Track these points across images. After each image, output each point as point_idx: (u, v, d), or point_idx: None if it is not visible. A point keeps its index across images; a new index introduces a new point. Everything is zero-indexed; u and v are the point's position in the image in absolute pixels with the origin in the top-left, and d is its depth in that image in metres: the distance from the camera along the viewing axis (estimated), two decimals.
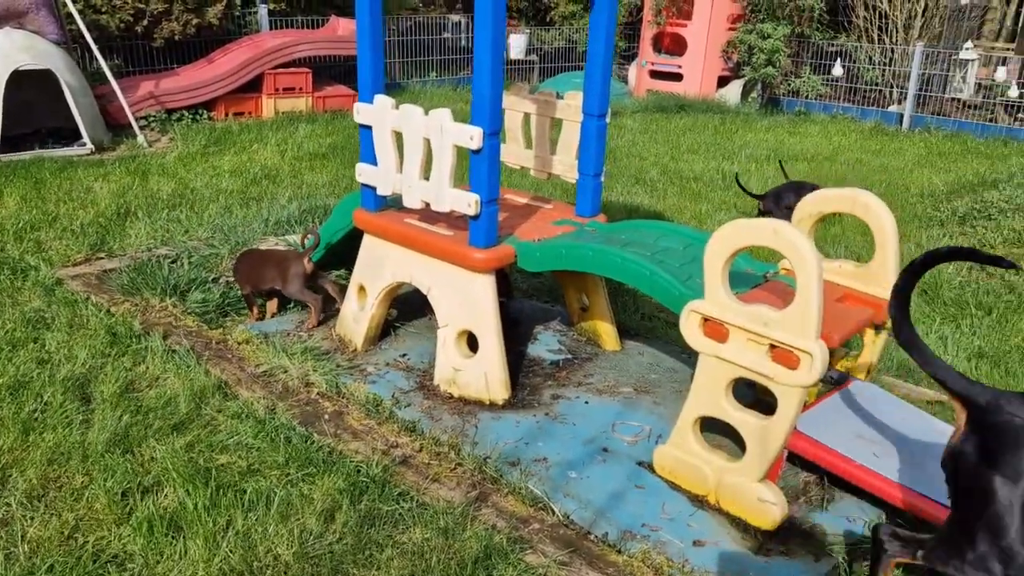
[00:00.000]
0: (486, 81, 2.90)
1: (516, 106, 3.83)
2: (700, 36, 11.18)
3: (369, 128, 3.31)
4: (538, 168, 3.84)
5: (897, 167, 8.04)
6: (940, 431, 2.73)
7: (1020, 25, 12.76)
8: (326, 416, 3.05)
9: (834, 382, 2.94)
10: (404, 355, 3.57)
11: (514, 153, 3.92)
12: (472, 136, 2.94)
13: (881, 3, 11.24)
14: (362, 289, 3.59)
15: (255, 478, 2.65)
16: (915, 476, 2.47)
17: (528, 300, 4.25)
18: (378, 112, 3.24)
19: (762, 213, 5.50)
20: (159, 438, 2.84)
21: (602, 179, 3.59)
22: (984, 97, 10.97)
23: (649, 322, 4.03)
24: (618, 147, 8.48)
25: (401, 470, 2.72)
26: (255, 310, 3.86)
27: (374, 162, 3.35)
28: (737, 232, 2.42)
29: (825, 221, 4.93)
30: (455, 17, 12.35)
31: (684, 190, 6.77)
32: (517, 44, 12.34)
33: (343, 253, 3.98)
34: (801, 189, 5.03)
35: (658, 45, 11.80)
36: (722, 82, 11.52)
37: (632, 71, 12.26)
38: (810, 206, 2.90)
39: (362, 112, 3.31)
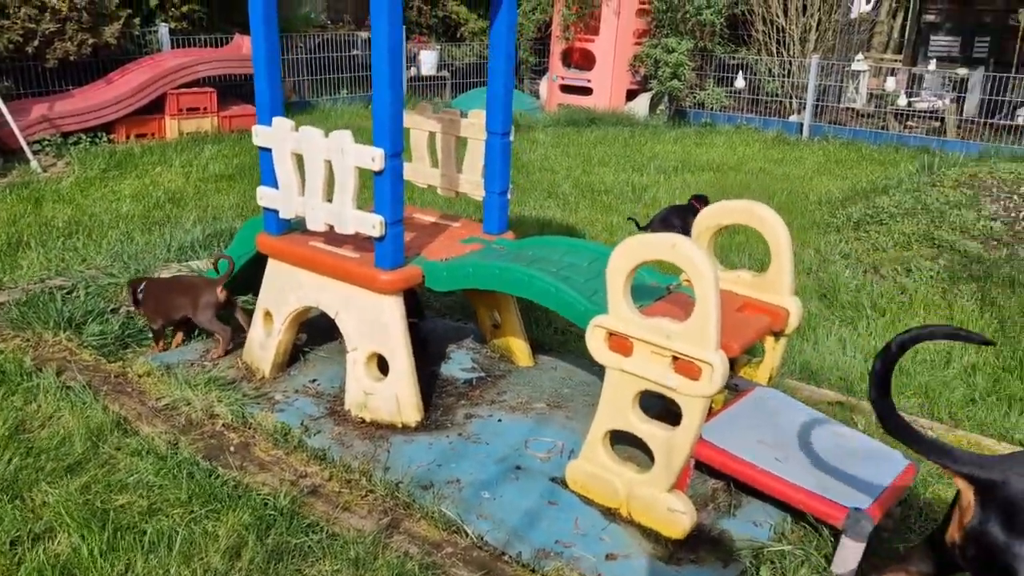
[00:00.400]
0: (386, 102, 2.88)
1: (421, 125, 3.82)
2: (607, 51, 11.41)
3: (269, 150, 3.25)
4: (445, 186, 3.83)
5: (798, 175, 8.35)
6: (838, 432, 2.84)
7: (906, 37, 13.47)
8: (232, 448, 2.96)
9: (738, 389, 3.02)
10: (314, 381, 3.50)
11: (420, 172, 3.91)
12: (374, 157, 2.92)
13: (778, 18, 11.70)
14: (268, 315, 3.50)
15: (156, 518, 2.55)
16: (815, 478, 2.55)
17: (440, 319, 4.23)
18: (277, 134, 3.18)
19: None
20: (52, 481, 2.70)
21: (508, 196, 3.61)
22: (876, 106, 11.53)
23: (562, 336, 4.06)
24: (531, 161, 8.56)
25: (310, 501, 2.66)
26: (160, 342, 3.72)
27: (275, 185, 3.29)
28: (637, 247, 2.46)
29: (729, 230, 5.08)
30: (364, 34, 12.26)
31: (595, 203, 6.87)
32: (428, 60, 12.35)
33: (248, 278, 3.88)
34: (684, 211, 5.36)
35: (568, 60, 11.98)
36: (631, 95, 11.77)
37: (543, 86, 12.41)
38: (709, 219, 2.98)
39: (260, 135, 3.25)
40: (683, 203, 5.87)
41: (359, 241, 3.27)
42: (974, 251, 4.64)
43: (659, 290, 2.98)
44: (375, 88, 2.91)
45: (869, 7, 11.73)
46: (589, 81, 11.67)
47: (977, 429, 3.38)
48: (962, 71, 11.40)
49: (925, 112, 11.20)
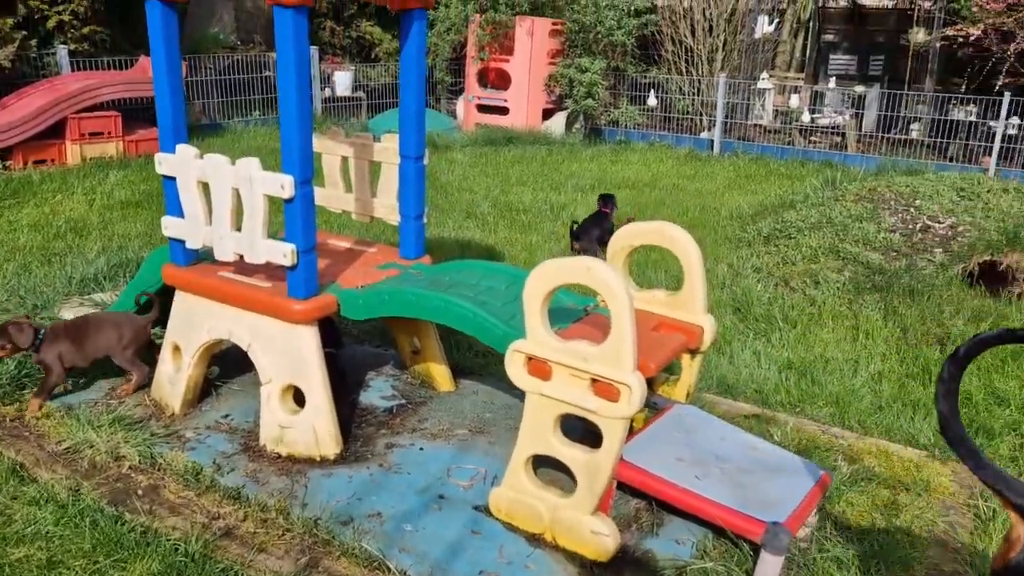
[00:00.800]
0: (293, 128, 2.82)
1: (333, 150, 3.76)
2: (522, 71, 11.52)
3: (173, 179, 3.13)
4: (360, 212, 3.78)
5: (710, 190, 8.58)
6: (755, 447, 2.89)
7: (806, 56, 14.05)
8: (139, 492, 2.82)
9: (657, 407, 3.05)
10: (227, 416, 3.38)
11: (334, 197, 3.84)
12: (283, 185, 2.85)
13: (686, 38, 12.05)
14: (177, 349, 3.37)
15: (57, 571, 2.41)
16: (734, 494, 2.59)
17: (359, 345, 4.15)
18: (181, 163, 3.07)
19: (576, 252, 5.78)
20: None
21: (424, 220, 3.57)
22: (781, 122, 11.97)
23: (483, 359, 4.04)
24: (449, 182, 8.54)
25: (224, 543, 2.55)
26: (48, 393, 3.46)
27: (181, 214, 3.17)
28: (553, 271, 2.46)
29: (646, 248, 5.17)
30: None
31: (514, 222, 6.89)
32: (343, 81, 12.23)
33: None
34: (597, 217, 5.95)
35: (484, 80, 12.05)
36: (547, 114, 11.91)
37: (460, 106, 12.43)
38: (623, 239, 3.02)
39: (164, 163, 3.13)
40: (597, 211, 6.17)
41: (271, 270, 3.18)
42: (876, 262, 4.83)
43: (576, 312, 2.99)
44: (282, 113, 2.85)
45: (772, 28, 12.20)
46: (505, 101, 11.75)
47: (885, 435, 3.51)
48: (860, 88, 11.96)
49: (827, 128, 11.69)
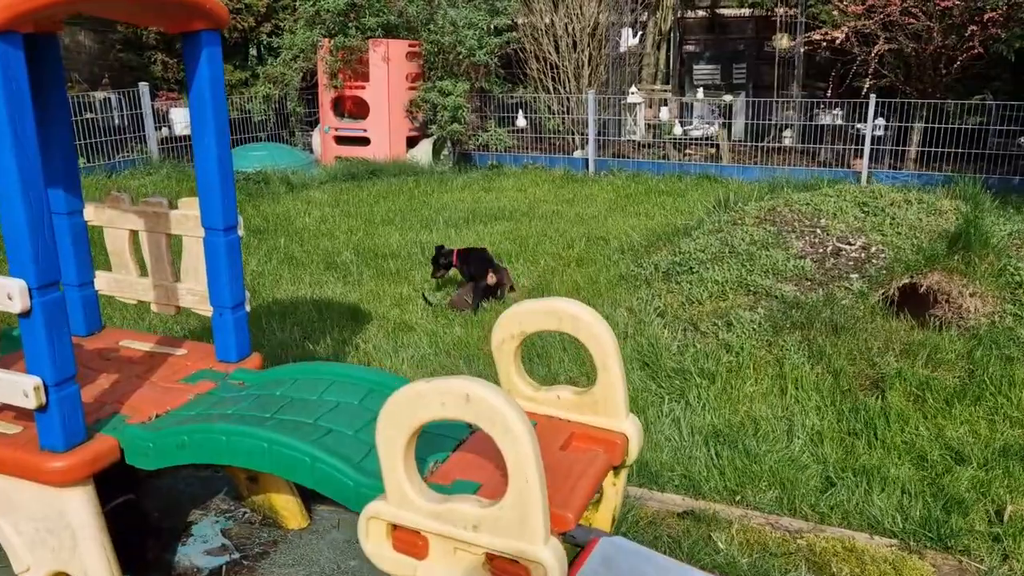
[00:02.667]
0: (16, 204, 1.90)
1: (117, 222, 2.83)
2: (381, 97, 10.68)
3: None
4: (160, 301, 2.85)
5: (592, 215, 8.00)
6: None
7: (670, 68, 13.88)
8: None
9: (577, 543, 2.28)
10: None
11: (125, 284, 2.90)
12: (10, 295, 1.92)
13: (550, 55, 11.54)
14: None
15: None
16: None
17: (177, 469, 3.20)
18: None
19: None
20: None
21: (247, 308, 2.69)
22: (654, 136, 11.64)
23: None
24: (306, 227, 7.59)
25: None
26: None
27: None
28: (415, 405, 1.66)
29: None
30: (100, 94, 10.74)
31: (382, 271, 6.04)
32: (180, 119, 11.02)
33: None
34: (471, 253, 5.36)
35: (340, 109, 11.12)
36: (411, 142, 11.11)
37: (316, 138, 11.46)
38: (509, 326, 2.24)
39: None
40: (471, 247, 5.62)
41: (18, 407, 2.22)
42: (791, 295, 4.29)
43: (459, 428, 2.20)
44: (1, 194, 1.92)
45: (636, 40, 11.88)
46: (365, 130, 10.87)
47: (844, 521, 2.89)
48: (727, 97, 11.80)
49: (700, 139, 11.43)
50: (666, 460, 3.25)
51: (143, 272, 2.87)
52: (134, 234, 2.83)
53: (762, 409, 3.66)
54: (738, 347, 4.07)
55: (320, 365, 2.51)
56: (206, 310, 2.72)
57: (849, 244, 4.50)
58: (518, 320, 2.22)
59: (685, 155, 11.33)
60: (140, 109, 10.40)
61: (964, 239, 4.25)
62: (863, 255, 4.46)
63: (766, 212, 5.04)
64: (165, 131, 11.22)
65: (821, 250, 4.56)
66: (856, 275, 4.35)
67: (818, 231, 4.71)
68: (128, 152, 10.58)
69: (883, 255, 4.43)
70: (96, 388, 2.45)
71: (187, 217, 2.67)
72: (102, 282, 2.90)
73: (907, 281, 4.28)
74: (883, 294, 4.28)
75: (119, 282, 2.89)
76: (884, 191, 5.02)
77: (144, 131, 10.50)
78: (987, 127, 9.78)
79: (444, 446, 2.08)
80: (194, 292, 2.76)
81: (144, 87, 10.37)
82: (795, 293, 4.30)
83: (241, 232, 2.61)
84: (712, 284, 4.48)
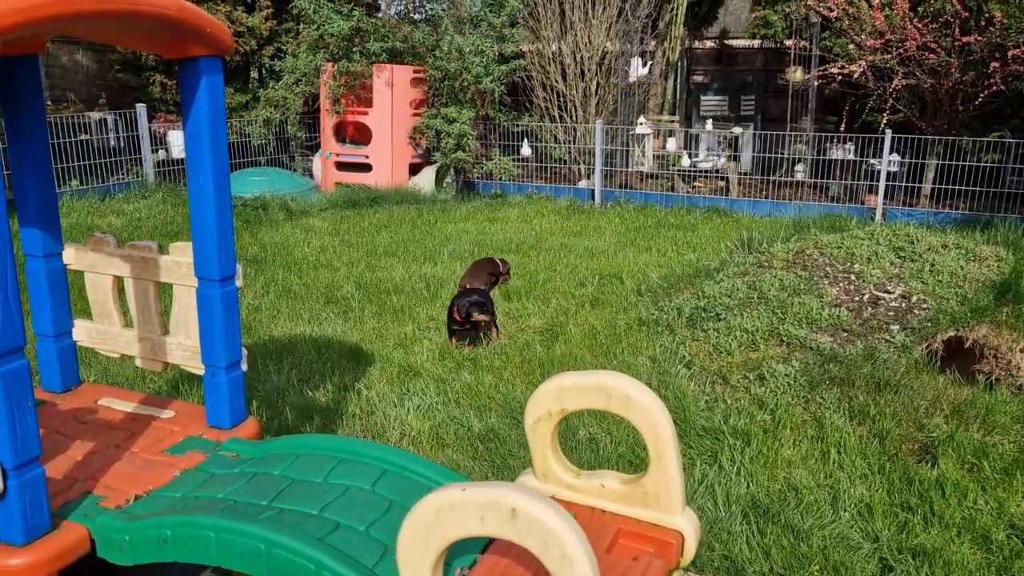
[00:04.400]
0: None
1: (100, 267, 2.52)
2: (384, 124, 10.44)
3: None
4: (147, 356, 2.54)
5: (602, 250, 7.72)
6: None
7: (677, 98, 13.72)
8: None
9: None
10: None
11: (108, 336, 2.59)
12: None
13: (557, 83, 11.34)
14: None
15: None
16: None
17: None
18: None
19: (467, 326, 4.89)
20: None
21: (244, 368, 2.39)
22: (660, 167, 11.41)
23: None
24: (305, 257, 7.30)
25: None
26: None
27: None
28: (446, 519, 1.35)
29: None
30: (97, 115, 10.48)
31: (384, 308, 5.74)
32: (178, 142, 10.76)
33: None
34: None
35: (341, 134, 10.88)
36: (414, 169, 10.86)
37: (316, 164, 11.19)
38: (547, 402, 1.94)
39: None
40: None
41: None
42: (827, 347, 4.00)
43: None
44: None
45: (646, 70, 11.68)
46: (367, 157, 10.61)
47: None
48: (737, 129, 11.59)
49: (708, 172, 11.20)
50: (704, 537, 2.93)
51: (128, 323, 2.56)
52: (119, 280, 2.53)
53: (803, 476, 3.35)
54: (772, 404, 3.76)
55: (325, 439, 2.20)
56: (197, 368, 2.41)
57: (888, 292, 4.21)
58: (558, 396, 1.92)
59: (693, 187, 11.10)
60: (137, 131, 10.15)
61: (1013, 290, 3.97)
62: (903, 304, 4.18)
63: (795, 255, 4.76)
64: (162, 154, 10.97)
65: (857, 298, 4.28)
66: (897, 326, 4.07)
67: (852, 277, 4.43)
68: (123, 175, 10.31)
69: (925, 305, 4.15)
70: (67, 460, 2.14)
71: (179, 264, 2.38)
72: (82, 332, 2.59)
73: (952, 334, 4.00)
74: (927, 348, 3.99)
75: (101, 333, 2.59)
76: (919, 235, 4.75)
77: (140, 153, 10.23)
78: (1004, 165, 9.56)
79: (471, 545, 1.77)
80: (184, 347, 2.45)
81: (142, 108, 10.12)
82: (831, 345, 4.01)
83: (239, 282, 2.31)
84: (741, 333, 4.19)
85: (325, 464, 2.05)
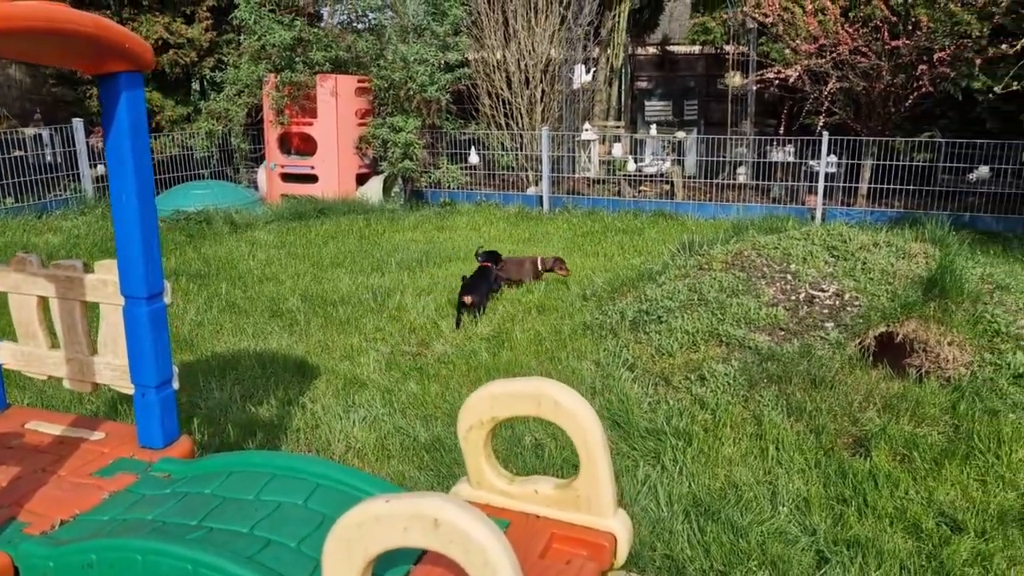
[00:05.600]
0: None
1: (23, 287, 2.47)
2: (329, 134, 10.37)
3: None
4: (75, 377, 2.50)
5: (550, 255, 7.76)
6: None
7: (622, 104, 13.88)
8: None
9: None
10: None
11: (33, 357, 2.53)
12: None
13: (502, 91, 11.39)
14: None
15: None
16: None
17: None
18: None
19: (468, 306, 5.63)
20: None
21: (175, 386, 2.36)
22: (607, 172, 11.53)
23: None
24: (250, 270, 7.20)
25: None
26: None
27: None
28: (369, 532, 1.36)
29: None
30: (32, 130, 10.21)
31: (331, 320, 5.69)
32: None
33: None
34: (485, 272, 6.10)
35: (286, 146, 10.78)
36: (361, 179, 10.80)
37: (261, 175, 11.07)
38: (480, 410, 1.95)
39: None
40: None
41: None
42: (765, 346, 4.09)
43: None
44: None
45: (590, 77, 11.80)
46: (313, 167, 10.53)
47: None
48: (680, 134, 11.77)
49: (654, 176, 11.35)
50: (646, 537, 2.98)
51: (55, 344, 2.51)
52: (44, 301, 2.48)
53: (743, 473, 3.42)
54: (713, 403, 3.83)
55: (259, 455, 2.18)
56: (127, 387, 2.37)
57: (822, 291, 4.33)
58: (489, 404, 1.94)
59: (639, 192, 11.24)
60: (74, 146, 9.91)
61: (939, 285, 4.11)
62: (837, 302, 4.29)
63: (733, 256, 4.85)
64: (101, 168, 10.72)
65: (793, 297, 4.38)
66: (831, 324, 4.17)
67: (788, 277, 4.53)
68: (61, 191, 10.06)
69: (857, 302, 4.26)
70: None
71: (105, 283, 2.34)
72: (7, 354, 2.54)
73: (883, 330, 4.12)
74: (859, 344, 4.10)
75: (26, 355, 2.53)
76: (852, 234, 4.88)
77: (78, 169, 10.00)
78: (936, 164, 9.88)
79: (403, 558, 1.78)
80: (113, 367, 2.41)
81: (78, 123, 9.90)
82: (769, 344, 4.10)
83: (168, 299, 2.28)
84: (682, 334, 4.25)
85: (258, 481, 2.04)
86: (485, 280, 6.03)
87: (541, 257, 6.70)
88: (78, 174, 10.03)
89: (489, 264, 6.30)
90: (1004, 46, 7.81)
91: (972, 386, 3.84)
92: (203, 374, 4.58)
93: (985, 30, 8.45)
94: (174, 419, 2.34)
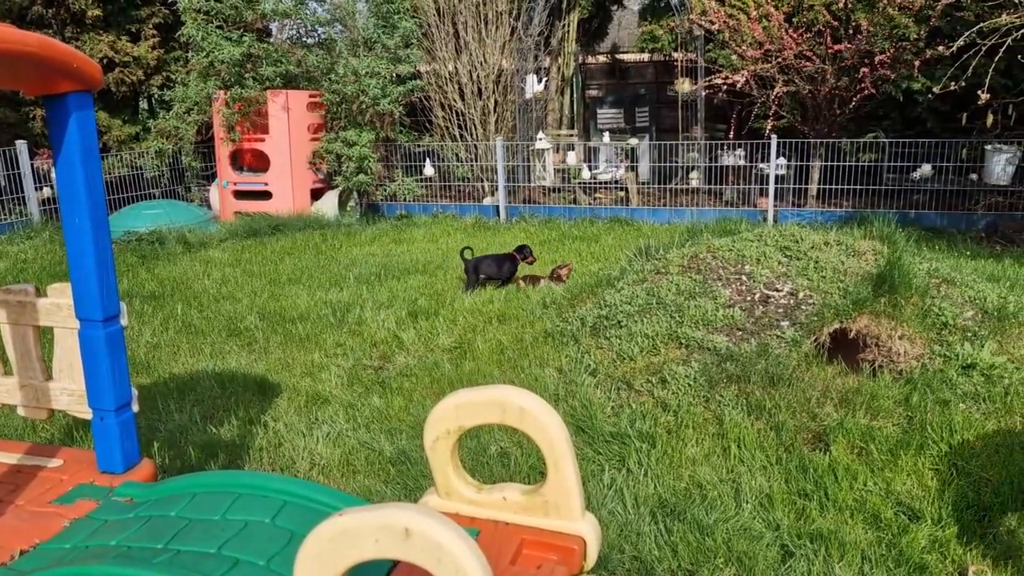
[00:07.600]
0: None
1: None
2: (282, 150, 10.29)
3: None
4: (30, 403, 2.44)
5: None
6: None
7: (574, 112, 13.99)
8: None
9: None
10: None
11: None
12: None
13: (455, 102, 11.42)
14: None
15: None
16: None
17: None
18: None
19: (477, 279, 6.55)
20: None
21: (135, 408, 2.32)
22: (562, 181, 11.62)
23: None
24: (205, 290, 7.10)
25: None
26: None
27: None
28: (340, 546, 1.36)
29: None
30: None
31: (289, 337, 5.64)
32: None
33: None
34: (508, 259, 6.90)
35: (238, 163, 10.66)
36: (316, 195, 10.73)
37: (214, 193, 10.93)
38: (446, 420, 1.96)
39: None
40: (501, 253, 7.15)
41: None
42: (723, 347, 4.16)
43: None
44: None
45: (542, 86, 11.89)
46: (266, 184, 10.43)
47: None
48: (633, 141, 11.91)
49: (609, 183, 11.47)
50: (614, 539, 3.00)
51: (7, 371, 2.46)
52: None
53: (706, 472, 3.47)
54: (675, 405, 3.88)
55: (222, 475, 2.16)
56: (84, 412, 2.33)
57: (777, 291, 4.42)
58: (455, 414, 1.95)
59: (595, 199, 11.34)
60: (19, 168, 9.68)
61: (888, 281, 4.22)
62: (791, 301, 4.38)
63: (689, 260, 4.93)
64: (47, 191, 10.50)
65: (749, 298, 4.47)
66: (787, 322, 4.26)
67: (743, 278, 4.62)
68: (6, 215, 9.82)
69: (811, 300, 4.36)
70: None
71: (58, 306, 2.30)
72: None
73: (837, 326, 4.21)
74: (815, 341, 4.19)
75: None
76: (803, 234, 4.99)
77: (24, 192, 9.77)
78: (881, 164, 10.15)
79: (374, 570, 1.77)
80: (70, 392, 2.37)
81: (22, 145, 9.68)
82: (727, 344, 4.17)
83: (124, 321, 2.25)
84: (642, 338, 4.30)
85: (224, 500, 2.01)
86: (507, 262, 6.77)
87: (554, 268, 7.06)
88: (23, 197, 9.80)
89: (516, 256, 6.85)
90: (941, 48, 8.07)
91: (923, 378, 3.95)
92: (162, 396, 4.50)
93: (922, 32, 8.73)
94: (134, 442, 2.30)
